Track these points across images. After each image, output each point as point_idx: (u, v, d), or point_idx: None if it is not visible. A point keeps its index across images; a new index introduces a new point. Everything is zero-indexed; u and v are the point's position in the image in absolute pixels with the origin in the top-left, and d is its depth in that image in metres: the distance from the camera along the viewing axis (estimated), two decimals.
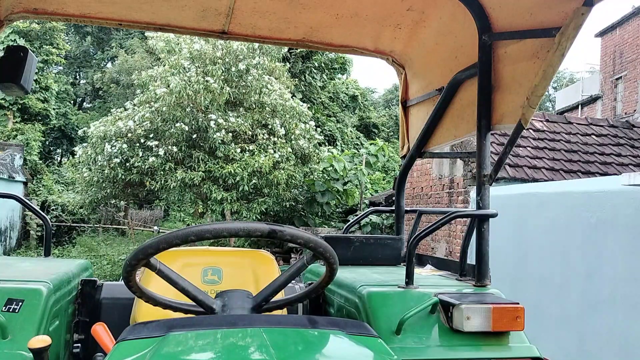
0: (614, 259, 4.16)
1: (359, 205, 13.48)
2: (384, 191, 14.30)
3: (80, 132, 13.58)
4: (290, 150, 11.99)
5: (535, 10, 1.83)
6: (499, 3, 2.00)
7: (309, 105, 15.30)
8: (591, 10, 1.60)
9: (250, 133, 11.66)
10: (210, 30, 2.53)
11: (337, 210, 14.31)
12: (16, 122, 21.44)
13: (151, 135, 11.42)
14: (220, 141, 11.11)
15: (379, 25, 2.51)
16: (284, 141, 12.04)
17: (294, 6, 2.31)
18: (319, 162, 12.89)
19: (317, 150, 12.96)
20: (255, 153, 11.41)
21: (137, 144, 11.54)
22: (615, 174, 7.25)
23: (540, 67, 1.79)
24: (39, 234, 16.26)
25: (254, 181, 11.17)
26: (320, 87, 21.35)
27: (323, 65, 21.03)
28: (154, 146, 11.30)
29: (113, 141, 11.65)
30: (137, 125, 11.56)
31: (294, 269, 1.32)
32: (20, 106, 21.46)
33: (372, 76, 69.68)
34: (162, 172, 11.22)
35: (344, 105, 23.42)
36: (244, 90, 11.76)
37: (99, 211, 17.04)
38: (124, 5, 2.30)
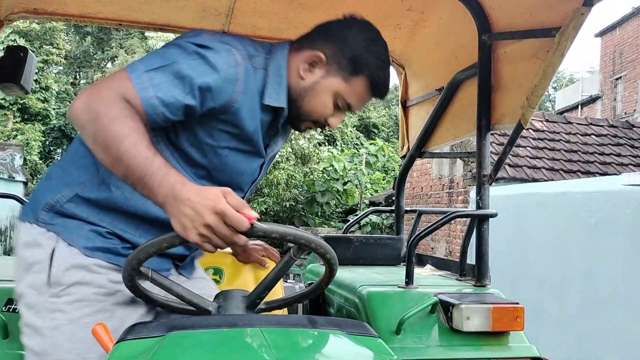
0: (614, 259, 4.16)
1: (359, 205, 13.49)
2: (384, 191, 14.31)
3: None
4: (290, 150, 12.00)
5: (535, 10, 1.83)
6: (499, 3, 2.00)
7: None
8: (591, 10, 1.60)
9: None
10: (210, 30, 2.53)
11: (337, 210, 14.32)
12: (16, 122, 21.45)
13: None
14: None
15: (379, 25, 2.48)
16: None
17: (294, 6, 2.31)
18: (319, 162, 12.91)
19: (317, 150, 12.98)
20: None
21: None
22: (615, 174, 7.25)
23: (540, 67, 1.80)
24: None
25: None
26: None
27: None
28: None
29: None
30: None
31: (282, 263, 1.31)
32: (20, 106, 21.46)
33: None
34: None
35: None
36: None
37: None
38: (124, 5, 2.30)
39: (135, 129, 1.21)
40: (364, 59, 1.47)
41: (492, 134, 2.27)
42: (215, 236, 1.14)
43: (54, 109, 23.98)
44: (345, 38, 1.51)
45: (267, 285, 1.31)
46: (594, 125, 9.75)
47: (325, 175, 12.92)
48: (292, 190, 12.49)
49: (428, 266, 2.50)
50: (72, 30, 31.64)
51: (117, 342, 1.14)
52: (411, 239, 2.04)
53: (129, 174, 1.20)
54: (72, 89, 29.46)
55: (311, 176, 12.75)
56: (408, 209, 2.88)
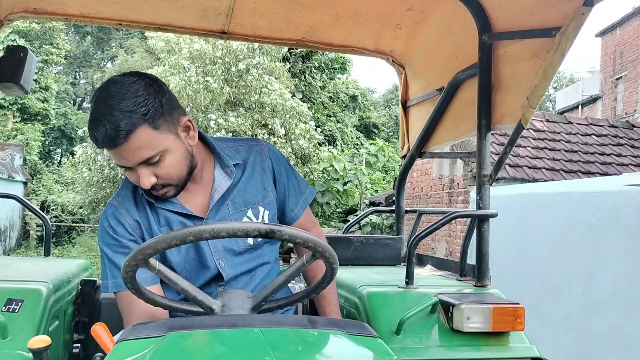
0: (614, 259, 4.16)
1: (359, 205, 13.49)
2: (384, 191, 14.31)
3: (80, 132, 13.58)
4: (290, 150, 11.99)
5: (535, 10, 1.83)
6: (499, 3, 2.00)
7: (309, 105, 15.30)
8: (591, 10, 1.60)
9: (250, 133, 11.66)
10: (210, 30, 2.53)
11: (337, 210, 14.32)
12: (16, 122, 21.45)
13: None
14: None
15: (379, 25, 2.51)
16: (284, 141, 12.04)
17: (294, 6, 2.31)
18: (319, 162, 12.89)
19: (317, 150, 12.96)
20: None
21: None
22: (616, 174, 7.25)
23: (541, 67, 1.79)
24: (39, 234, 16.24)
25: None
26: (320, 87, 21.35)
27: (323, 65, 21.04)
28: None
29: None
30: None
31: (293, 268, 1.32)
32: (20, 106, 21.46)
33: (372, 76, 69.86)
34: None
35: (344, 105, 23.42)
36: (243, 90, 11.75)
37: (98, 211, 17.02)
38: (124, 5, 2.30)
39: None
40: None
41: (492, 134, 2.27)
42: None
43: (53, 108, 23.98)
44: None
45: (275, 289, 1.31)
46: (594, 125, 9.75)
47: (325, 175, 12.91)
48: None
49: (428, 266, 2.50)
50: (72, 30, 31.65)
51: (117, 342, 1.14)
52: (411, 239, 2.03)
53: None
54: (72, 89, 29.45)
55: (311, 176, 12.73)
56: (408, 209, 2.88)
